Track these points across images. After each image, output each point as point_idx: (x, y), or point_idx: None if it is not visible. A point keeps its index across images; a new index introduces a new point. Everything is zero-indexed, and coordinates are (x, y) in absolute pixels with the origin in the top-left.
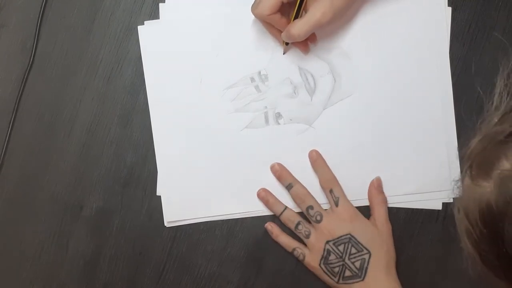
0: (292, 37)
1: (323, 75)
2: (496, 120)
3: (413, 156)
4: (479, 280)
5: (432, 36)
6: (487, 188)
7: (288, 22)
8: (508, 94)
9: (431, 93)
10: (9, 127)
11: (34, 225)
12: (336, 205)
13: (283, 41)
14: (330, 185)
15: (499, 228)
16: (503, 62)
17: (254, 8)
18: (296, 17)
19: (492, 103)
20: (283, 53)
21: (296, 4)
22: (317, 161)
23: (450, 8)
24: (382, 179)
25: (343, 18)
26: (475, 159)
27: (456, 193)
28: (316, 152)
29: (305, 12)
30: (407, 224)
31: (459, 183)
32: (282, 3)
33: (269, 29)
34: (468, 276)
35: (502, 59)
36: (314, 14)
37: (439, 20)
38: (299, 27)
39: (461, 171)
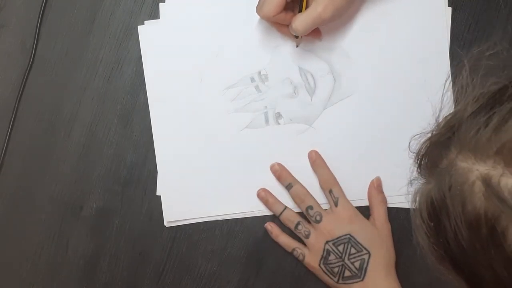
0: (296, 31)
1: (323, 75)
2: (442, 123)
3: (413, 156)
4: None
5: (432, 36)
6: (431, 184)
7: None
8: (454, 101)
9: (431, 93)
10: (9, 127)
11: (34, 225)
12: (336, 205)
13: (293, 35)
14: (330, 185)
15: (439, 221)
16: (452, 70)
17: (258, 9)
18: (300, 11)
19: (440, 106)
20: (296, 46)
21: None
22: (316, 161)
23: (450, 8)
24: (382, 179)
25: (344, 17)
26: (423, 159)
27: (411, 191)
28: (316, 152)
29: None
30: (407, 224)
31: (414, 182)
32: (286, 2)
33: (276, 27)
34: None
35: (452, 66)
36: (315, 9)
37: (439, 20)
38: (300, 21)
39: (413, 170)
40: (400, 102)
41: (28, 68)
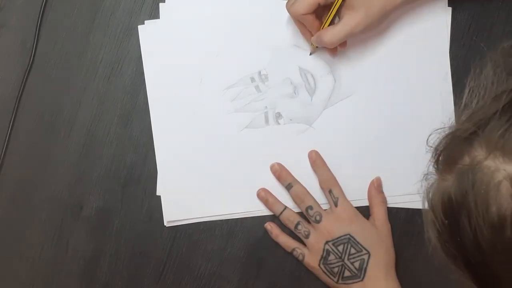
0: (323, 44)
1: (323, 75)
2: (463, 119)
3: (413, 156)
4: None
5: (432, 36)
6: (450, 181)
7: (320, 24)
8: (476, 95)
9: (431, 93)
10: (9, 127)
11: (34, 225)
12: (336, 205)
13: (312, 43)
14: (330, 186)
15: (457, 219)
16: (474, 63)
17: (289, 5)
18: (329, 22)
19: (462, 102)
20: (310, 54)
21: (331, 10)
22: (316, 161)
23: (450, 8)
24: (382, 179)
25: (376, 29)
26: (441, 154)
27: (424, 186)
28: (316, 152)
29: (339, 18)
30: (407, 224)
31: (428, 177)
32: (319, 5)
33: (300, 28)
34: None
35: (474, 60)
36: (348, 23)
37: (439, 20)
38: (332, 35)
39: (429, 165)
40: (400, 102)
41: (28, 68)
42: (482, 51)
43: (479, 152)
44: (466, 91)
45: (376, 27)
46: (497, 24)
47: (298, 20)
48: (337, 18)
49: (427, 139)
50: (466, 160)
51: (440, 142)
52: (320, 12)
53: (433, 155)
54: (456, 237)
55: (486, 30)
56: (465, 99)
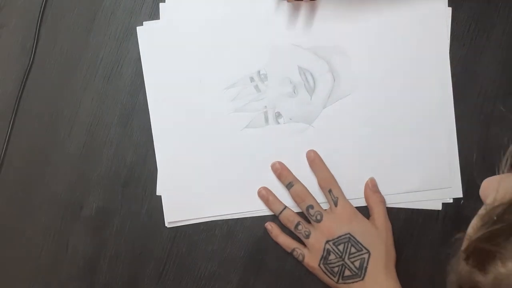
0: None
1: (322, 74)
2: (498, 211)
3: (412, 154)
4: None
5: (432, 36)
6: (482, 280)
7: None
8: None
9: (431, 93)
10: (9, 127)
11: (34, 225)
12: (335, 205)
13: None
14: (329, 185)
15: None
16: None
17: None
18: None
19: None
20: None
21: None
22: (314, 161)
23: (450, 8)
24: (382, 177)
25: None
26: (474, 248)
27: (452, 270)
28: (314, 152)
29: None
30: (407, 224)
31: (457, 262)
32: None
33: None
34: None
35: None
36: None
37: (439, 20)
38: None
39: (455, 254)
40: (400, 101)
41: (28, 68)
42: (483, 51)
43: None
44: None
45: None
46: (497, 24)
47: None
48: None
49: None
50: (500, 268)
51: (473, 235)
52: None
53: (464, 244)
54: None
55: (486, 30)
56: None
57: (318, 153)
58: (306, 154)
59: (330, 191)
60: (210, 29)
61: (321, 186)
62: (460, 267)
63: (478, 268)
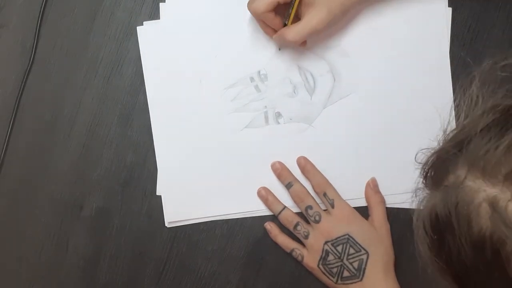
0: (287, 42)
1: (322, 74)
2: (449, 137)
3: (413, 154)
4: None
5: (432, 36)
6: (437, 198)
7: (281, 21)
8: (461, 113)
9: (430, 92)
10: (9, 127)
11: (34, 225)
12: (332, 207)
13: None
14: (323, 189)
15: (443, 236)
16: (460, 81)
17: (249, 4)
18: (291, 20)
19: (449, 121)
20: (279, 49)
21: (291, 7)
22: (306, 167)
23: (450, 9)
24: (382, 178)
25: (338, 23)
26: (429, 171)
27: (415, 201)
28: (304, 158)
29: (299, 16)
30: (407, 224)
31: (418, 192)
32: (278, 3)
33: (262, 27)
34: None
35: (461, 75)
36: (310, 21)
37: (439, 20)
38: (295, 33)
39: (418, 181)
40: (399, 101)
41: (28, 68)
42: (483, 51)
43: (462, 172)
44: (452, 109)
45: (336, 23)
46: (497, 24)
47: (259, 18)
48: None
49: (415, 156)
50: (451, 179)
51: (427, 160)
52: (280, 10)
53: (421, 172)
54: (443, 253)
55: (486, 30)
56: (451, 116)
57: (318, 153)
58: (297, 160)
59: (325, 194)
60: (210, 29)
61: (316, 191)
62: (420, 193)
63: (433, 186)
